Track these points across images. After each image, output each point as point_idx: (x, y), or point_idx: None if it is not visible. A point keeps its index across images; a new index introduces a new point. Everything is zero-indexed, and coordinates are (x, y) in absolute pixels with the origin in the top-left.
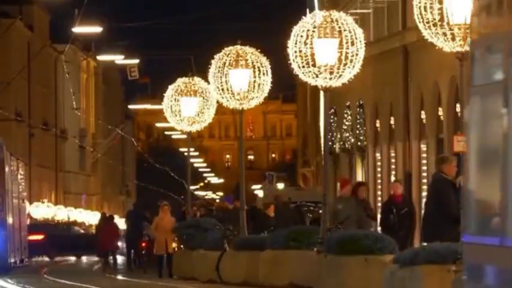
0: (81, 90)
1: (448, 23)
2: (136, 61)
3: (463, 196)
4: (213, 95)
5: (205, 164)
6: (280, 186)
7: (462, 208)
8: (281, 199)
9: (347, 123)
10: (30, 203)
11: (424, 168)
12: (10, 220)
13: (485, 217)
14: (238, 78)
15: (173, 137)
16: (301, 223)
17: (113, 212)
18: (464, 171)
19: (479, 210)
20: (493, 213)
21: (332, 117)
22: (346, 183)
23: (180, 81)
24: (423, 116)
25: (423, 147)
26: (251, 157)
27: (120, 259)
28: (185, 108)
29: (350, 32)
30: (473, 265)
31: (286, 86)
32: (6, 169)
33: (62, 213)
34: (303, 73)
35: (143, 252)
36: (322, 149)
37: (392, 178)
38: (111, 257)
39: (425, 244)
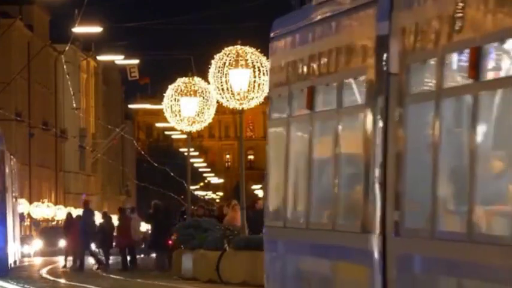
0: (81, 90)
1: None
2: (136, 61)
3: (265, 196)
4: (213, 95)
5: (205, 164)
6: None
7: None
8: None
9: None
10: (30, 203)
11: None
12: (9, 219)
13: (275, 209)
14: (238, 78)
15: (173, 137)
16: None
17: (113, 212)
18: (265, 178)
19: (272, 205)
20: (279, 207)
21: None
22: None
23: (180, 81)
24: None
25: None
26: (251, 157)
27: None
28: (185, 108)
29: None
30: (270, 240)
31: None
32: (6, 165)
33: (62, 213)
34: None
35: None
36: None
37: None
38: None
39: None
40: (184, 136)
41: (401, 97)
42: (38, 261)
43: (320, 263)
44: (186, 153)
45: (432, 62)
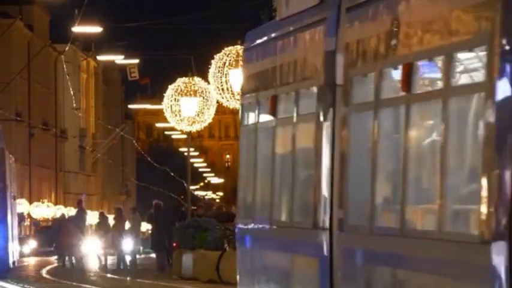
0: (81, 90)
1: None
2: (136, 61)
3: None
4: (213, 95)
5: (205, 164)
6: None
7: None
8: None
9: None
10: (30, 203)
11: None
12: (9, 219)
13: (245, 208)
14: (238, 78)
15: (173, 137)
16: None
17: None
18: (239, 179)
19: (242, 204)
20: (248, 206)
21: None
22: None
23: (180, 81)
24: None
25: None
26: None
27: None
28: (185, 108)
29: None
30: (241, 237)
31: None
32: (6, 163)
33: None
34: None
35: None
36: None
37: None
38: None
39: None
40: (184, 136)
41: (346, 106)
42: (34, 261)
43: (281, 257)
44: (186, 153)
45: (371, 75)
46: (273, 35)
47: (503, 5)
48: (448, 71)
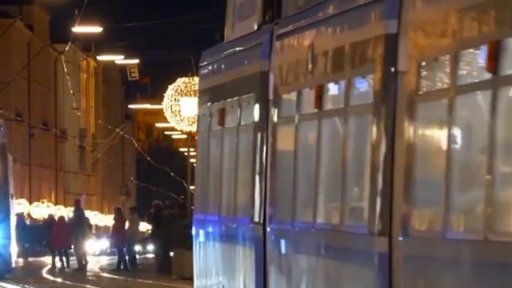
0: (81, 90)
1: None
2: (136, 61)
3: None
4: None
5: None
6: None
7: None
8: None
9: None
10: (30, 203)
11: None
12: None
13: (199, 204)
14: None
15: (173, 137)
16: None
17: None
18: (196, 178)
19: (198, 201)
20: (202, 202)
21: None
22: None
23: (180, 81)
24: None
25: None
26: None
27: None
28: (185, 108)
29: None
30: (196, 230)
31: None
32: (8, 159)
33: (61, 213)
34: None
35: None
36: None
37: None
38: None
39: None
40: (184, 136)
41: (276, 118)
42: (30, 261)
43: (225, 247)
44: (186, 153)
45: (293, 93)
46: (221, 55)
47: (385, 42)
48: (348, 93)
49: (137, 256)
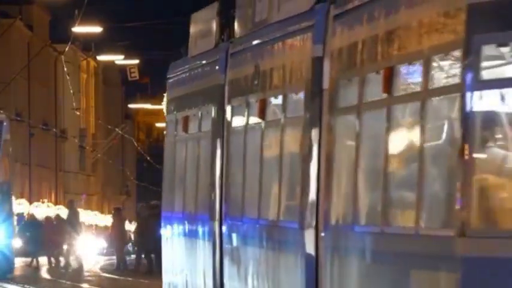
0: (81, 90)
1: None
2: (136, 61)
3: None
4: None
5: None
6: None
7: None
8: None
9: None
10: (30, 203)
11: None
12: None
13: (167, 201)
14: None
15: None
16: None
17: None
18: (163, 179)
19: (165, 198)
20: (169, 199)
21: None
22: None
23: None
24: None
25: None
26: None
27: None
28: None
29: None
30: (164, 224)
31: None
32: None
33: (62, 213)
34: None
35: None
36: None
37: None
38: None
39: None
40: None
41: (229, 126)
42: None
43: (188, 241)
44: None
45: (243, 105)
46: (186, 68)
47: (312, 64)
48: (285, 106)
49: (132, 256)
